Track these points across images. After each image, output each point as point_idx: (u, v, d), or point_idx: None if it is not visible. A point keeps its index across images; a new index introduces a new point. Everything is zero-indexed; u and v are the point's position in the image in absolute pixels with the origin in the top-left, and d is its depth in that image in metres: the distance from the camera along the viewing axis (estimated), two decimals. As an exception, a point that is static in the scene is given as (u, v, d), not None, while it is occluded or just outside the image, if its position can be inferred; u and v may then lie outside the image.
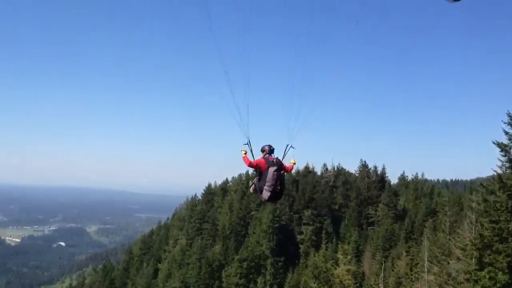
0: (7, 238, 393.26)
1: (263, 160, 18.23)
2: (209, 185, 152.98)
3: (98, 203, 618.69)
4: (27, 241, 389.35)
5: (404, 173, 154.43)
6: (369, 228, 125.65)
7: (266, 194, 17.92)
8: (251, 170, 20.17)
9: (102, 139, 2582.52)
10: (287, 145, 19.00)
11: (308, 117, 18.74)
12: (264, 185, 17.91)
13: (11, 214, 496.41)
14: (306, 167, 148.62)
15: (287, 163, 19.16)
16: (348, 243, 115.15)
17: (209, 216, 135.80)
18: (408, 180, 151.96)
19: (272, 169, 17.84)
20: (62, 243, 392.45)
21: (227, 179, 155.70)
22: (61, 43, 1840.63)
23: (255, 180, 18.76)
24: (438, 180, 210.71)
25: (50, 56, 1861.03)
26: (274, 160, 18.23)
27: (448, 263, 58.02)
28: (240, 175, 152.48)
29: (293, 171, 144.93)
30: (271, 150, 18.62)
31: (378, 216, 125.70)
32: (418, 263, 77.27)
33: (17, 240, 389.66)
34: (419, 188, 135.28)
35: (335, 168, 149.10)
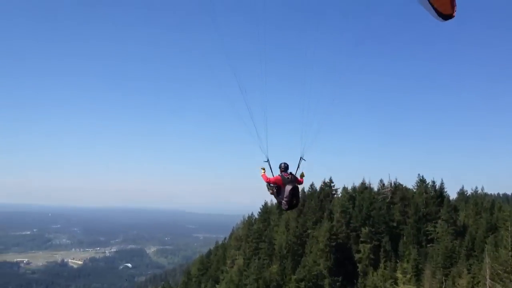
0: (70, 260, 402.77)
1: (279, 177, 21.54)
2: (266, 204, 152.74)
3: (157, 223, 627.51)
4: (89, 263, 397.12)
5: (463, 187, 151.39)
6: (428, 245, 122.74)
7: (284, 206, 21.61)
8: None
9: (160, 161, 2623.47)
10: (300, 158, 22.10)
11: (318, 133, 21.93)
12: (283, 199, 21.43)
13: (74, 236, 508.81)
14: (363, 183, 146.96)
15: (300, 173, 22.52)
16: (407, 261, 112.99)
17: (266, 235, 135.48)
18: (468, 194, 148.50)
19: (288, 188, 21.25)
20: (129, 265, 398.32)
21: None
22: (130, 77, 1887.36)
23: (274, 189, 21.91)
24: (498, 194, 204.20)
25: (114, 88, 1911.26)
26: (289, 177, 21.61)
27: (511, 280, 56.34)
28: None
29: (353, 191, 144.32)
30: (286, 167, 21.79)
31: (438, 232, 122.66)
32: (479, 281, 75.41)
33: (80, 262, 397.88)
34: (479, 203, 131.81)
35: (392, 184, 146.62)
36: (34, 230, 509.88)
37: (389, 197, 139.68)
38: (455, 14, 19.90)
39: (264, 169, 21.89)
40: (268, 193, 22.36)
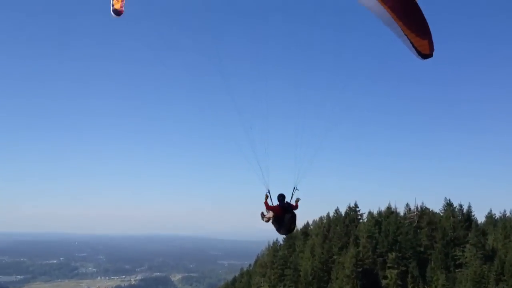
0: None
1: (278, 207, 24.52)
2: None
3: (182, 250, 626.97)
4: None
5: (491, 210, 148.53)
6: (457, 270, 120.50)
7: (283, 232, 25.22)
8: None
9: (183, 187, 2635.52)
10: (294, 188, 24.87)
11: (309, 165, 24.79)
12: (282, 225, 24.45)
13: (100, 264, 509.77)
14: (388, 208, 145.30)
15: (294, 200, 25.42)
16: (436, 287, 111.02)
17: (291, 261, 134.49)
18: (496, 218, 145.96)
19: (288, 216, 24.29)
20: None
21: (307, 222, 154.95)
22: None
23: (270, 215, 24.56)
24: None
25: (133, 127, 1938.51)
26: (287, 206, 24.68)
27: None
28: (321, 218, 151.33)
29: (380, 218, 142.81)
30: (283, 198, 24.79)
31: (466, 257, 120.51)
32: (511, 307, 73.76)
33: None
34: (508, 226, 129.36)
35: (419, 208, 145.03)
36: (61, 258, 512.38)
37: (416, 222, 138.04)
38: (433, 54, 23.73)
39: (267, 196, 24.55)
40: (263, 221, 25.10)
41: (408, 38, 22.90)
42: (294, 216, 24.38)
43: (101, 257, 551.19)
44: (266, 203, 24.44)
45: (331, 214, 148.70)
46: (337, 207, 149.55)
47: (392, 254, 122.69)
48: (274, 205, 24.56)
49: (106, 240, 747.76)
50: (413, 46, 23.20)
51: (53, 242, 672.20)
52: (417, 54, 23.57)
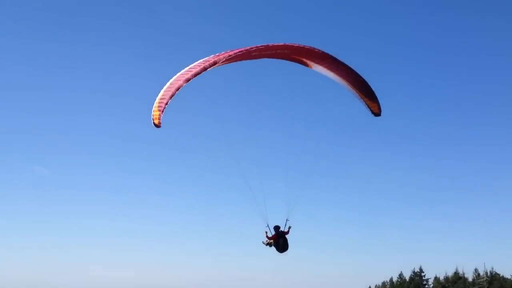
0: None
1: (275, 236, 30.58)
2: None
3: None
4: None
5: None
6: None
7: (280, 251, 30.54)
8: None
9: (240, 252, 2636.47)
10: (286, 220, 30.58)
11: (298, 198, 30.49)
12: (278, 248, 30.53)
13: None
14: (456, 273, 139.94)
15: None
16: None
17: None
18: None
19: (281, 240, 30.39)
20: None
21: (369, 287, 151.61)
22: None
23: (270, 241, 30.42)
24: None
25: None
26: (280, 234, 30.55)
27: None
28: (384, 283, 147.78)
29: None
30: (279, 227, 30.60)
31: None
32: None
33: None
34: None
35: (488, 273, 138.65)
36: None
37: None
38: (380, 114, 31.54)
39: (266, 231, 30.41)
40: (263, 245, 30.99)
41: (364, 101, 30.88)
42: (286, 240, 30.87)
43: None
44: (267, 236, 30.82)
45: (394, 279, 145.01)
46: (401, 271, 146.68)
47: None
48: (273, 234, 30.85)
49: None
50: (368, 106, 31.02)
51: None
52: (371, 113, 31.33)
